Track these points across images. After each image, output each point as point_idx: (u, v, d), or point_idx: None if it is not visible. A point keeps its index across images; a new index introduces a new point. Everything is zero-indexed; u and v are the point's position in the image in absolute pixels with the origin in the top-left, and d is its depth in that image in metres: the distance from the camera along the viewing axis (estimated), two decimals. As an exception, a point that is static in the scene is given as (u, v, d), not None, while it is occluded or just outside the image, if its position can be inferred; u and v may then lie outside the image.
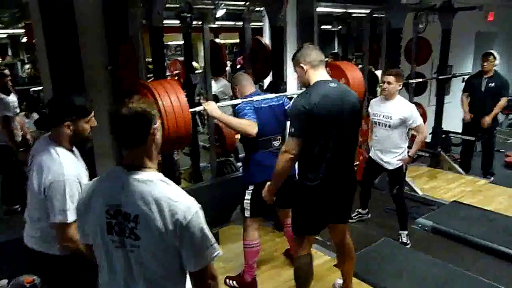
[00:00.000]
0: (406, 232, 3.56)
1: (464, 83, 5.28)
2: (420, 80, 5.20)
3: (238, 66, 7.46)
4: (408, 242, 3.54)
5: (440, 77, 5.23)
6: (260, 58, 3.83)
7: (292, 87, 4.07)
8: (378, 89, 5.23)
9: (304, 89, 2.29)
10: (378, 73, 5.30)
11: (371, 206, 4.10)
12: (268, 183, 2.32)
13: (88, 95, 2.79)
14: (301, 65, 2.19)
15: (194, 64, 5.53)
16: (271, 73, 3.81)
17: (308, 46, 2.25)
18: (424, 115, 5.62)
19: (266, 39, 4.00)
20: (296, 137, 2.07)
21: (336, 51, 7.25)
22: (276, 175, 2.23)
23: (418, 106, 5.59)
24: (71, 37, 2.71)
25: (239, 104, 2.64)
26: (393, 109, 3.39)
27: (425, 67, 5.57)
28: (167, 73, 5.97)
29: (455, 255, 3.36)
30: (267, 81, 3.97)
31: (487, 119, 4.81)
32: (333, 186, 2.21)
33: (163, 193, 1.28)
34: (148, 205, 1.26)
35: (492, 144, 5.09)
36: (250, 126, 2.50)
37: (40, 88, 4.16)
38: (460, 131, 5.36)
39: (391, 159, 3.46)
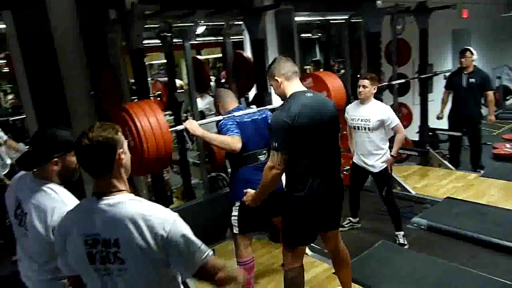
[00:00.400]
0: (402, 233, 3.57)
1: (445, 81, 5.38)
2: (403, 80, 5.26)
3: (223, 81, 7.46)
4: (405, 242, 3.54)
5: (422, 76, 5.29)
6: (243, 72, 3.84)
7: (277, 98, 4.09)
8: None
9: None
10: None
11: (364, 211, 4.11)
12: (253, 191, 2.30)
13: (73, 122, 2.78)
14: (276, 78, 2.21)
15: (179, 82, 5.54)
16: (255, 85, 3.82)
17: (280, 58, 2.27)
18: (409, 115, 5.70)
19: (248, 52, 4.03)
20: (281, 151, 2.07)
21: (317, 58, 7.31)
22: (262, 189, 2.22)
23: (403, 106, 5.70)
24: (52, 65, 2.71)
25: (221, 120, 2.62)
26: (371, 112, 3.45)
27: (407, 68, 5.65)
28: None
29: (453, 251, 3.36)
30: (252, 93, 3.99)
31: (491, 117, 5.07)
32: (323, 194, 2.21)
33: (136, 211, 1.28)
34: (125, 226, 1.25)
35: (478, 137, 5.15)
36: (233, 142, 2.48)
37: (23, 117, 4.12)
38: (446, 127, 5.42)
39: (375, 162, 3.49)
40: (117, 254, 1.27)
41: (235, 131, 2.52)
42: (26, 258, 1.84)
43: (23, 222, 1.75)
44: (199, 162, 3.94)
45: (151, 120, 2.14)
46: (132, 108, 2.18)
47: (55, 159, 1.71)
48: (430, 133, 5.55)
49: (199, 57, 4.66)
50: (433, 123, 5.55)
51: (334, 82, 3.11)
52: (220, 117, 2.66)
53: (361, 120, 3.47)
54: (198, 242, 1.32)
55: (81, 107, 2.92)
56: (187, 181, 4.09)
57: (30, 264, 1.83)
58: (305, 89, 2.26)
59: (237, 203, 2.59)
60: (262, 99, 3.50)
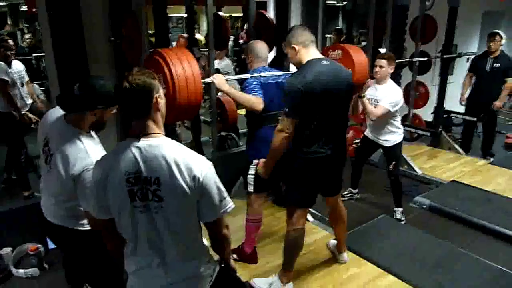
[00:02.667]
0: (401, 209, 3.63)
1: (469, 63, 5.25)
2: (425, 58, 5.15)
3: (241, 41, 7.36)
4: (403, 219, 3.61)
5: (445, 56, 5.18)
6: (264, 33, 3.78)
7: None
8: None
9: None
10: (383, 51, 5.23)
11: (370, 185, 4.14)
12: (263, 160, 2.36)
13: (91, 68, 2.78)
14: (293, 45, 2.20)
15: (198, 36, 5.47)
16: (275, 48, 3.77)
17: (298, 27, 2.28)
18: (426, 94, 5.62)
19: (271, 13, 3.95)
20: (292, 116, 2.11)
21: (340, 27, 7.15)
22: (271, 152, 2.27)
23: (421, 85, 5.61)
24: (73, 8, 2.68)
25: (247, 78, 2.63)
26: (382, 94, 3.42)
27: (430, 46, 5.50)
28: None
29: (452, 233, 3.41)
30: (271, 56, 3.94)
31: (498, 103, 4.81)
32: (328, 158, 2.26)
33: (178, 153, 1.36)
34: (166, 166, 1.34)
35: (493, 125, 5.09)
36: (256, 102, 2.51)
37: (42, 55, 4.11)
38: (462, 111, 5.35)
39: (388, 137, 3.53)
40: (156, 192, 1.35)
41: (258, 91, 2.55)
42: (47, 192, 1.93)
43: (48, 160, 1.82)
44: (210, 120, 3.95)
45: (186, 68, 2.14)
46: (167, 54, 2.17)
47: (96, 110, 1.75)
48: (444, 115, 5.50)
49: (220, 13, 4.56)
50: (449, 105, 5.47)
51: (360, 58, 3.06)
52: (247, 75, 2.66)
53: (374, 101, 3.46)
54: (225, 193, 1.44)
55: (100, 52, 2.91)
56: (197, 137, 4.11)
57: (50, 199, 1.91)
58: (322, 56, 2.24)
59: (255, 162, 2.63)
60: (281, 62, 3.47)
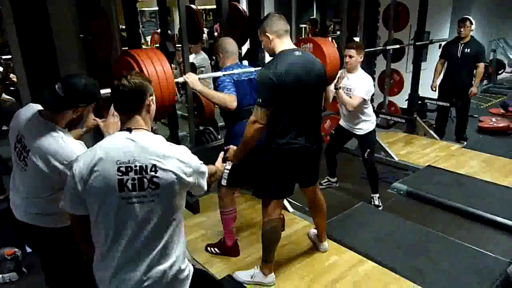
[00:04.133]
0: (377, 195, 3.71)
1: (441, 50, 5.34)
2: (398, 46, 5.22)
3: (216, 34, 7.30)
4: (380, 204, 3.68)
5: (417, 43, 5.26)
6: (237, 25, 3.75)
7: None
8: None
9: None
10: (357, 39, 5.28)
11: (348, 174, 4.20)
12: (234, 147, 2.36)
13: (61, 66, 2.71)
14: (267, 34, 2.20)
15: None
16: (248, 40, 3.75)
17: (273, 15, 2.26)
18: (401, 82, 5.70)
19: (244, 5, 3.92)
20: (265, 107, 2.12)
21: (314, 17, 7.16)
22: (244, 143, 2.27)
23: (396, 72, 5.69)
24: (40, 5, 2.59)
25: (219, 76, 2.64)
26: (354, 83, 3.46)
27: (403, 34, 5.58)
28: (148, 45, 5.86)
29: (429, 218, 3.49)
30: (245, 48, 3.92)
31: (474, 90, 4.93)
32: (302, 149, 2.28)
33: (167, 144, 1.49)
34: (161, 154, 1.43)
35: (466, 109, 5.20)
36: (229, 100, 2.52)
37: (9, 57, 4.02)
38: (435, 97, 5.45)
39: (361, 125, 3.59)
40: (153, 179, 1.41)
41: (231, 89, 2.56)
42: (20, 190, 1.89)
43: (22, 157, 1.80)
44: (187, 114, 3.91)
45: (158, 68, 2.13)
46: (139, 54, 2.16)
47: (80, 107, 1.77)
48: (419, 102, 5.60)
49: (193, 6, 4.50)
50: (423, 92, 5.57)
51: (331, 50, 3.12)
52: (219, 73, 2.66)
53: (346, 89, 3.48)
54: (203, 166, 1.59)
55: (70, 50, 2.84)
56: (175, 133, 4.08)
57: (21, 197, 1.88)
58: (295, 47, 2.25)
59: (225, 148, 2.61)
60: (255, 55, 3.45)
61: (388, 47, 5.15)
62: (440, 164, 4.44)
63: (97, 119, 2.05)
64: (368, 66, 5.09)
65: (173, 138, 4.07)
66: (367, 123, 3.58)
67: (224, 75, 2.62)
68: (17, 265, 2.88)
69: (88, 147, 1.58)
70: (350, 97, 3.43)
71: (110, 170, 1.39)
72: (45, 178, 1.76)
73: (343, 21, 4.71)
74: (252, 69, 2.79)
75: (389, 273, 2.62)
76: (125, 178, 1.39)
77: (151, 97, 1.53)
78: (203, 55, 5.37)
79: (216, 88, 2.63)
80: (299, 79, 2.13)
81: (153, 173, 1.40)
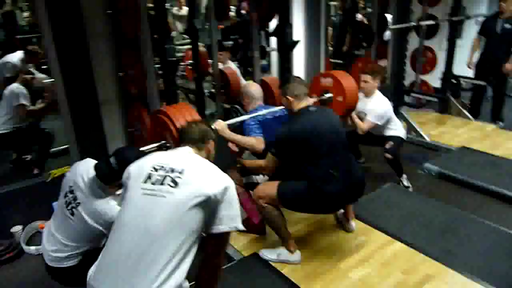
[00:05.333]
0: (405, 176, 3.62)
1: (479, 26, 5.09)
2: (432, 22, 5.00)
3: (243, 12, 7.20)
4: (409, 185, 3.59)
5: (453, 19, 5.01)
6: (265, 1, 3.67)
7: (299, 30, 3.95)
8: (387, 33, 5.06)
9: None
10: (389, 17, 5.10)
11: (374, 155, 4.09)
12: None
13: (90, 43, 2.74)
14: (287, 97, 2.49)
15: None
16: (276, 16, 3.68)
17: (295, 80, 2.57)
18: (434, 60, 5.50)
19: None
20: (276, 156, 2.40)
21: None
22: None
23: (429, 50, 5.47)
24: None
25: (245, 120, 2.77)
26: (369, 108, 3.46)
27: (438, 9, 5.33)
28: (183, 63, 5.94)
29: (461, 199, 3.38)
30: (273, 24, 3.85)
31: (509, 66, 4.67)
32: (339, 195, 2.37)
33: (211, 167, 1.61)
34: (196, 167, 1.57)
35: (503, 88, 4.98)
36: (257, 143, 2.69)
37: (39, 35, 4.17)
38: (471, 76, 5.23)
39: (389, 133, 3.58)
40: (176, 179, 1.49)
41: (257, 131, 2.74)
42: (53, 235, 2.03)
43: (70, 207, 1.96)
44: (214, 92, 3.91)
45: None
46: (171, 112, 2.32)
47: None
48: (453, 81, 5.38)
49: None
50: (458, 70, 5.35)
51: (350, 84, 3.13)
52: (246, 117, 2.80)
53: (364, 114, 3.49)
54: (238, 222, 1.56)
55: (98, 26, 2.84)
56: (202, 111, 4.09)
57: (55, 241, 2.01)
58: (310, 104, 2.50)
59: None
60: (283, 31, 3.39)
61: (421, 23, 4.94)
62: (474, 145, 4.28)
63: None
64: (400, 43, 4.92)
65: (201, 116, 4.09)
66: (393, 131, 3.57)
67: (250, 118, 2.78)
68: (50, 238, 3.00)
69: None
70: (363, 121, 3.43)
71: (147, 166, 1.57)
72: (87, 230, 1.94)
73: (375, -3, 4.56)
74: (277, 108, 2.92)
75: (418, 254, 2.56)
76: (153, 173, 1.53)
77: (211, 140, 1.83)
78: (231, 65, 5.24)
79: (243, 133, 2.75)
80: (314, 130, 2.32)
81: (178, 174, 1.51)
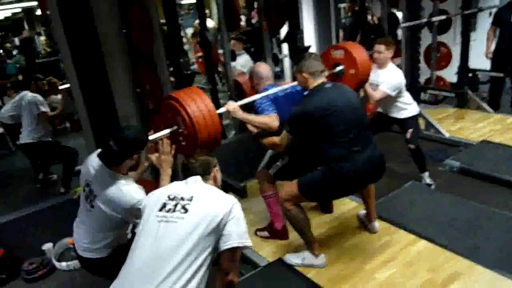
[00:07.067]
0: (427, 173, 3.57)
1: (492, 17, 5.02)
2: (444, 17, 4.96)
3: (254, 21, 7.28)
4: (431, 183, 3.54)
5: (465, 12, 4.95)
6: (275, 8, 3.72)
7: (310, 34, 3.98)
8: (399, 32, 5.04)
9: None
10: (399, 14, 5.08)
11: (394, 153, 4.06)
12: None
13: (107, 61, 2.82)
14: (303, 74, 2.41)
15: (209, 23, 5.43)
16: (286, 23, 3.72)
17: (310, 56, 2.49)
18: (448, 55, 5.43)
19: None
20: (291, 134, 2.38)
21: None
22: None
23: (442, 45, 5.41)
24: (84, 5, 2.69)
25: (256, 100, 2.70)
26: (382, 78, 3.39)
27: (449, 3, 5.28)
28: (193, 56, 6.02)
29: (485, 195, 3.33)
30: (283, 31, 3.89)
31: None
32: (357, 173, 2.28)
33: (216, 192, 1.75)
34: (205, 194, 1.70)
35: (522, 79, 4.89)
36: (271, 121, 2.61)
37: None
38: (488, 68, 5.14)
39: (402, 112, 3.49)
40: (186, 206, 1.64)
41: (270, 109, 2.66)
42: (81, 227, 2.14)
43: (89, 200, 2.03)
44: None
45: (200, 106, 2.17)
46: (181, 97, 2.21)
47: (134, 156, 1.99)
48: (469, 74, 5.30)
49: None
50: (473, 63, 5.27)
51: (362, 55, 3.00)
52: (256, 96, 2.71)
53: (376, 85, 3.41)
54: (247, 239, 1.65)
55: (114, 49, 2.91)
56: (217, 105, 4.13)
57: (83, 232, 2.12)
58: (326, 81, 2.43)
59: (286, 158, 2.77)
60: (293, 37, 3.42)
61: (433, 19, 4.90)
62: (495, 139, 4.20)
63: (151, 156, 2.21)
64: (412, 40, 4.89)
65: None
66: (406, 111, 3.47)
67: (261, 97, 2.69)
68: (79, 253, 3.07)
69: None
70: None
71: (164, 196, 1.71)
72: (108, 219, 2.01)
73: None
74: (286, 86, 2.85)
75: (443, 252, 2.54)
76: (168, 202, 1.68)
77: (215, 168, 1.87)
78: (245, 56, 5.26)
79: (255, 112, 2.70)
80: (331, 109, 2.26)
81: (188, 201, 1.65)
